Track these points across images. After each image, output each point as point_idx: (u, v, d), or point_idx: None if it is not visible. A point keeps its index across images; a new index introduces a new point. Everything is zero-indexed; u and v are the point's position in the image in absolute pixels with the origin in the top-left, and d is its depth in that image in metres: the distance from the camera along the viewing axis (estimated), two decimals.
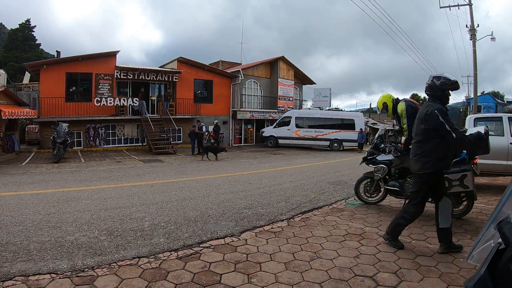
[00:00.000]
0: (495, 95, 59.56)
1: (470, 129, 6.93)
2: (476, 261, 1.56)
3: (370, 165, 7.27)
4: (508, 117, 9.10)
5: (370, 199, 7.49)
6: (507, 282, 1.24)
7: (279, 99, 31.75)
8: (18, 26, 55.42)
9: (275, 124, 28.78)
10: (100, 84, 22.48)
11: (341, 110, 34.30)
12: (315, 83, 37.80)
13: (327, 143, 26.70)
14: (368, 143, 31.79)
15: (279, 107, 31.72)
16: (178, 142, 25.53)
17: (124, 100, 22.35)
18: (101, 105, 21.59)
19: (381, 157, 7.02)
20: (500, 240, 1.34)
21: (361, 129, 25.52)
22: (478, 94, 28.54)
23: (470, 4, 23.13)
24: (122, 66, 23.19)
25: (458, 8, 23.89)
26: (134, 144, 24.30)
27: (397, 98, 6.91)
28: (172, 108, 25.04)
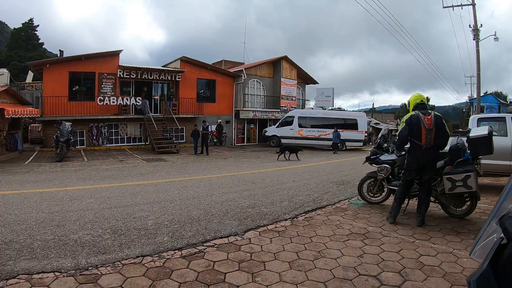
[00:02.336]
0: (498, 95, 59.40)
1: (474, 129, 6.91)
2: (479, 256, 1.56)
3: (373, 164, 7.27)
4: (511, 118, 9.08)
5: (373, 198, 7.50)
6: (509, 277, 1.25)
7: (282, 98, 31.74)
8: (21, 26, 55.54)
9: (278, 123, 28.72)
10: (103, 83, 22.50)
11: (344, 110, 34.21)
12: (318, 83, 37.80)
13: (330, 142, 26.64)
14: (371, 142, 31.77)
15: (282, 106, 31.71)
16: (181, 141, 25.51)
17: (127, 99, 22.42)
18: (104, 104, 21.65)
19: (384, 157, 7.02)
20: (502, 235, 1.35)
21: (335, 128, 24.93)
22: (481, 94, 28.44)
23: (473, 4, 23.08)
24: (125, 65, 23.22)
25: (462, 8, 23.88)
26: (137, 143, 24.31)
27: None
28: (175, 108, 25.04)
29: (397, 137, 6.27)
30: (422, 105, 6.01)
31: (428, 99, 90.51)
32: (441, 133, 5.73)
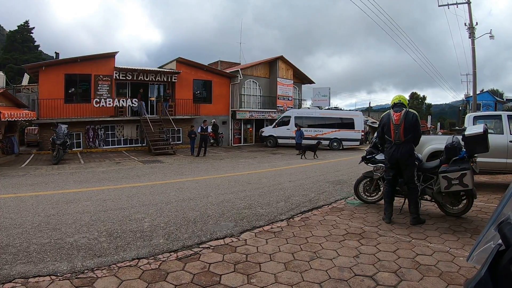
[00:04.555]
0: (494, 93, 59.67)
1: (469, 127, 6.92)
2: (476, 261, 1.55)
3: (369, 164, 7.27)
4: (508, 115, 9.10)
5: (369, 198, 7.51)
6: (507, 284, 1.24)
7: (278, 98, 31.74)
8: (17, 28, 55.34)
9: (274, 123, 28.73)
10: (99, 85, 22.46)
11: (341, 109, 34.24)
12: (314, 82, 37.86)
13: (327, 142, 26.60)
14: (367, 141, 31.79)
15: (279, 106, 31.71)
16: (178, 142, 25.48)
17: (123, 101, 22.31)
18: (100, 106, 21.56)
19: (380, 156, 7.01)
20: (500, 241, 1.34)
21: (298, 126, 24.51)
22: (478, 92, 28.50)
23: (468, 2, 23.12)
24: (121, 67, 23.18)
25: (457, 7, 23.89)
26: (134, 145, 24.26)
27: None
28: (172, 109, 25.01)
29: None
30: (397, 105, 6.12)
31: (424, 98, 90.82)
32: (412, 128, 5.81)
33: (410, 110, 5.98)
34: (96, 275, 3.81)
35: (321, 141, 22.23)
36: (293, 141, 26.69)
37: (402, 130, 5.79)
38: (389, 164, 6.09)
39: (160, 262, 4.21)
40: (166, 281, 3.68)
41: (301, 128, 26.30)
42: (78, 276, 3.79)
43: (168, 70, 25.73)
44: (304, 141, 25.13)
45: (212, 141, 26.77)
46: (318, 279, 3.75)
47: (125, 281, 3.67)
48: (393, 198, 6.23)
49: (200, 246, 4.78)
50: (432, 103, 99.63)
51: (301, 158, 19.01)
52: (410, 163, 5.93)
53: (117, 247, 4.73)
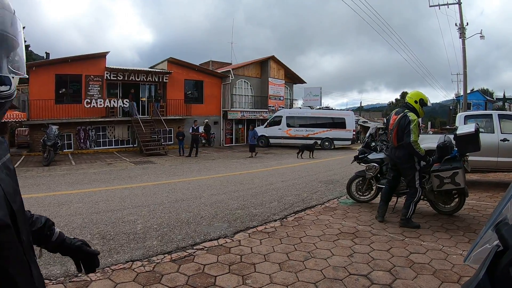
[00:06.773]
0: (485, 92, 60.29)
1: (461, 126, 6.97)
2: (474, 262, 1.54)
3: (362, 163, 7.30)
4: (498, 114, 9.20)
5: (362, 197, 7.54)
6: (507, 287, 1.23)
7: (269, 98, 31.75)
8: None
9: (266, 123, 28.69)
10: (90, 86, 22.27)
11: (332, 109, 34.33)
12: (305, 82, 37.91)
13: (318, 142, 26.68)
14: (359, 141, 31.94)
15: (270, 106, 31.71)
16: (169, 143, 25.32)
17: (114, 101, 22.20)
18: (91, 106, 21.41)
19: (372, 156, 7.05)
20: (497, 242, 1.33)
21: (251, 126, 24.29)
22: (468, 91, 28.69)
23: (459, 3, 23.26)
24: (112, 67, 23.00)
25: (448, 7, 24.03)
26: (125, 146, 24.09)
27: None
28: (163, 109, 24.86)
29: None
30: (402, 106, 5.98)
31: None
32: (402, 134, 5.59)
33: (407, 113, 5.61)
34: (90, 279, 3.77)
35: (317, 141, 22.33)
36: (286, 141, 26.76)
37: (394, 135, 5.74)
38: (390, 165, 6.13)
39: (154, 264, 4.18)
40: (161, 283, 3.66)
41: (293, 128, 26.33)
42: (72, 280, 3.75)
43: (159, 70, 25.60)
44: (299, 141, 25.21)
45: (204, 141, 26.67)
46: (313, 279, 3.76)
47: (119, 284, 3.64)
48: (390, 198, 6.24)
49: (194, 248, 4.76)
50: None
51: (298, 158, 19.09)
52: (407, 167, 5.74)
53: (110, 250, 4.69)
